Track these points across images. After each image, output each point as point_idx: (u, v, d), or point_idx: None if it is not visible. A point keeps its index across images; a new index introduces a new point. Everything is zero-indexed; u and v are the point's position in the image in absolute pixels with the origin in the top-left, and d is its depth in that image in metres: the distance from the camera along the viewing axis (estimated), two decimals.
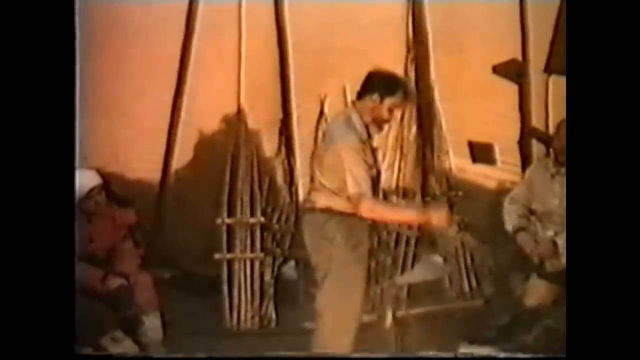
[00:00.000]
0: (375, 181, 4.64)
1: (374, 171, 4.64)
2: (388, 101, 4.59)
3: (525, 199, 5.69)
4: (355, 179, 4.53)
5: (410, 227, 6.28)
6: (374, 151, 4.68)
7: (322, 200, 4.66)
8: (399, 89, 4.61)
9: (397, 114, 4.73)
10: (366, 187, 4.54)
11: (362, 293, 4.69)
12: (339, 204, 4.60)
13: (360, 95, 4.68)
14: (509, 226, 5.65)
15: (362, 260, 4.70)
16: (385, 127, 4.78)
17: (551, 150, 5.93)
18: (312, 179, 4.80)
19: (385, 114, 4.61)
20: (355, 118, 4.63)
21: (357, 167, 4.53)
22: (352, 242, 4.63)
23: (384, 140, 6.39)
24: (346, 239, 4.62)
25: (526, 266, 5.58)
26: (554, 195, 5.53)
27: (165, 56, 6.44)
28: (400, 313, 5.78)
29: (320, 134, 5.98)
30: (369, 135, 4.65)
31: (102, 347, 5.43)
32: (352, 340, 4.68)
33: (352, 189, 4.55)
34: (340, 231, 4.62)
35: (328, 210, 4.64)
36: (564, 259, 5.36)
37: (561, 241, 5.39)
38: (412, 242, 6.38)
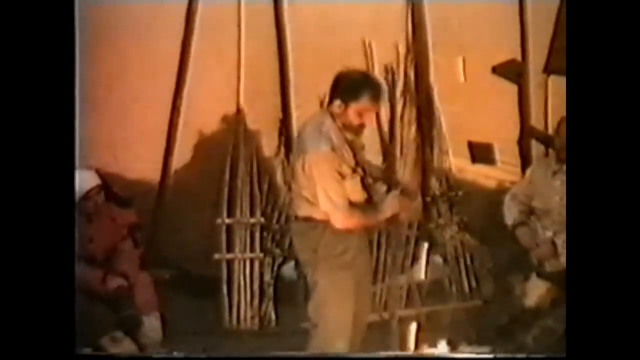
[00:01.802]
0: (363, 182, 4.46)
1: (358, 174, 4.43)
2: (354, 106, 4.31)
3: (526, 196, 5.69)
4: (326, 193, 4.32)
5: (410, 227, 6.29)
6: (355, 153, 4.45)
7: (302, 210, 4.51)
8: (364, 93, 4.29)
9: (371, 117, 4.38)
10: (338, 199, 4.33)
11: (353, 299, 4.54)
12: (319, 213, 4.44)
13: (330, 100, 4.44)
14: (509, 220, 5.65)
15: (349, 266, 4.51)
16: (365, 131, 4.50)
17: (551, 149, 5.93)
18: (289, 187, 4.59)
19: (354, 120, 4.33)
20: (328, 123, 4.39)
21: (326, 180, 4.30)
22: (337, 250, 4.48)
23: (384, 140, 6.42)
24: (331, 248, 4.47)
25: (526, 266, 5.59)
26: (554, 193, 5.54)
27: (165, 56, 6.43)
28: (400, 313, 5.79)
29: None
30: (347, 140, 4.41)
31: (102, 347, 5.43)
32: (347, 345, 4.59)
33: (323, 205, 4.36)
34: (323, 240, 4.47)
35: (309, 220, 4.48)
36: (563, 259, 5.36)
37: (560, 241, 5.40)
38: (412, 242, 6.37)
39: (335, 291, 4.54)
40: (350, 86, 4.34)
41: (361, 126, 4.39)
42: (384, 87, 4.37)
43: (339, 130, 4.40)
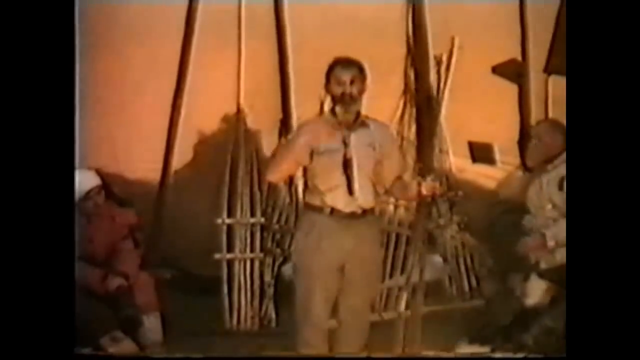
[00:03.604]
0: (345, 165, 4.66)
1: (341, 154, 4.67)
2: (332, 78, 4.74)
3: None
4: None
5: (410, 227, 6.28)
6: (345, 140, 4.67)
7: (306, 197, 4.79)
8: (337, 66, 4.77)
9: (345, 85, 4.69)
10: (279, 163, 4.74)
11: (322, 290, 4.64)
12: (312, 199, 4.69)
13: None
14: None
15: (324, 253, 4.63)
16: (352, 104, 4.76)
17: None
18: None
19: (336, 90, 4.71)
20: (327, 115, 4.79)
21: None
22: (312, 236, 4.65)
23: None
24: (306, 232, 4.68)
25: (525, 266, 5.58)
26: (547, 191, 5.55)
27: (165, 56, 6.44)
28: (400, 313, 5.79)
29: None
30: (337, 117, 4.72)
31: (102, 347, 5.43)
32: (321, 342, 4.67)
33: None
34: (305, 224, 4.71)
35: (307, 206, 4.76)
36: (557, 254, 5.34)
37: (550, 234, 5.36)
38: (412, 242, 6.36)
39: (304, 279, 4.68)
40: (330, 65, 4.82)
41: (344, 96, 4.70)
42: (357, 61, 4.76)
43: (338, 123, 4.71)
